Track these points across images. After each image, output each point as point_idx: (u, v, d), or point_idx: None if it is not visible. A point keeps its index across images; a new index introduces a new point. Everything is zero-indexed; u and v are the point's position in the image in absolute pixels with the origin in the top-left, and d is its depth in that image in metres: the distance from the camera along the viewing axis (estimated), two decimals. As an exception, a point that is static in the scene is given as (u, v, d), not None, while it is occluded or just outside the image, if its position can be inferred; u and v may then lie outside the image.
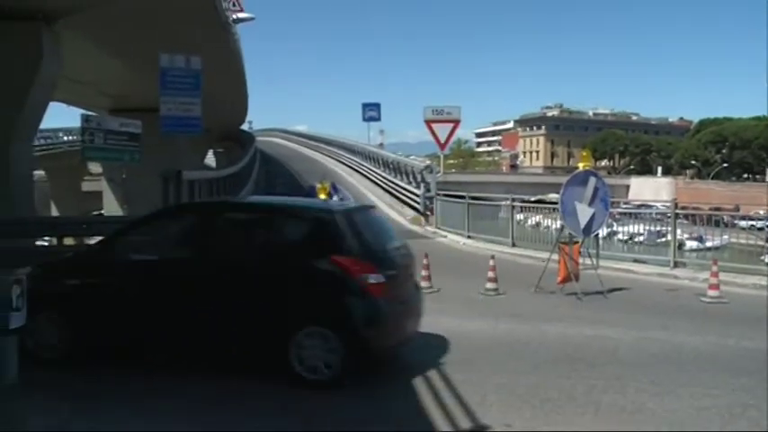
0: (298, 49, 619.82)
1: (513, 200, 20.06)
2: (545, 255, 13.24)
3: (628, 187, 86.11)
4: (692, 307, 11.13)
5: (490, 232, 20.65)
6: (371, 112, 50.16)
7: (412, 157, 40.03)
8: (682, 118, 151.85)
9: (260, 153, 52.30)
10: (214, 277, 7.02)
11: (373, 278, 6.81)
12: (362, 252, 7.00)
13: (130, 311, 7.12)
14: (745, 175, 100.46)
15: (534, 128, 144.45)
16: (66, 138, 49.29)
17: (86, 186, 51.12)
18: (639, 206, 27.70)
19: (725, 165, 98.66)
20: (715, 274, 11.70)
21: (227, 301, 6.90)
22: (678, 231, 15.24)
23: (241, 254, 7.32)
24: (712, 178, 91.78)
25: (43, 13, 14.17)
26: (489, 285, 12.28)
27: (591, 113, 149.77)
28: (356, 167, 44.76)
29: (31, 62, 14.12)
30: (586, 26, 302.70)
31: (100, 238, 9.19)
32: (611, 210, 14.55)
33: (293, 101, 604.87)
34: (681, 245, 15.78)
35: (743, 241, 15.58)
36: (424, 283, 12.55)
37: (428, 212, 26.80)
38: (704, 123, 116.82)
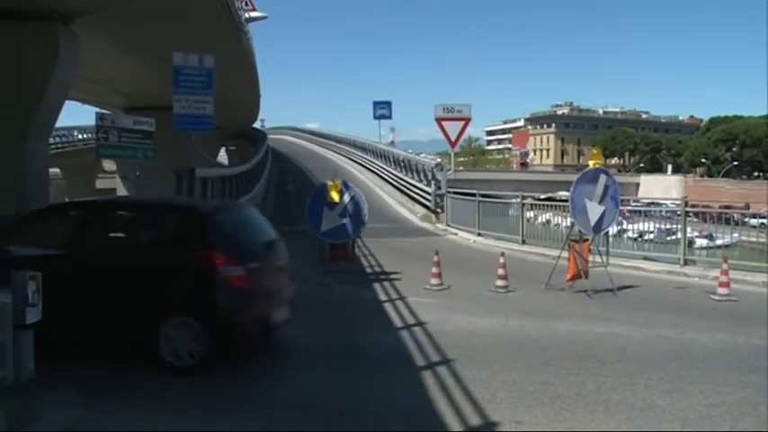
0: (310, 48, 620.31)
1: (524, 197, 20.08)
2: (555, 252, 13.29)
3: (638, 185, 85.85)
4: (701, 305, 11.15)
5: (500, 230, 20.70)
6: (382, 110, 50.14)
7: (423, 155, 40.08)
8: (692, 116, 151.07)
9: (272, 151, 52.44)
10: (90, 272, 7.37)
11: (235, 270, 7.29)
12: (226, 247, 7.50)
13: None
14: (756, 174, 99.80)
15: (544, 126, 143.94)
16: (80, 136, 49.52)
17: (101, 184, 51.48)
18: (649, 204, 27.73)
19: (735, 163, 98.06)
20: (725, 272, 11.71)
21: (102, 294, 7.25)
22: (688, 229, 15.26)
23: (115, 249, 7.77)
24: (722, 176, 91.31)
25: (60, 12, 14.28)
26: (499, 282, 12.34)
27: (601, 112, 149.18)
28: (367, 165, 44.78)
29: (47, 61, 14.23)
30: (597, 25, 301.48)
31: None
32: (621, 207, 14.59)
33: (305, 99, 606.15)
34: (691, 243, 15.79)
35: (753, 239, 15.56)
36: (434, 281, 12.66)
37: (439, 210, 26.87)
38: (714, 121, 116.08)
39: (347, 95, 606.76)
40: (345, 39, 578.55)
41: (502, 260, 12.62)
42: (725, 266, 11.77)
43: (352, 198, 14.21)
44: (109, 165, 47.76)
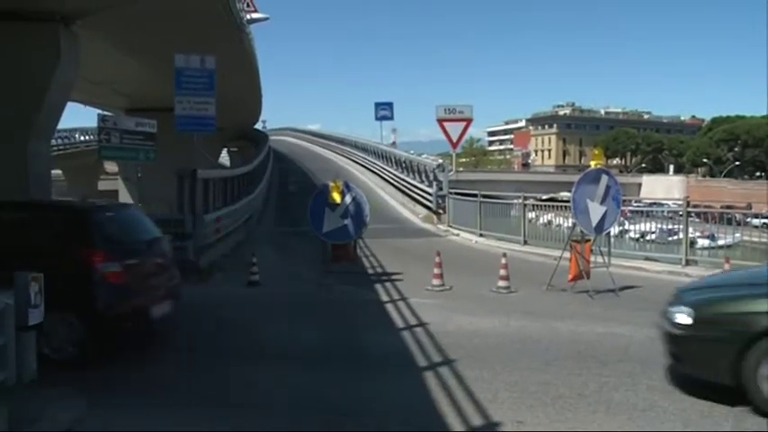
0: (311, 49, 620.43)
1: (525, 198, 20.10)
2: (556, 253, 13.30)
3: (639, 185, 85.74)
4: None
5: (502, 230, 20.72)
6: (384, 111, 50.17)
7: (424, 156, 40.08)
8: (694, 116, 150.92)
9: (273, 152, 52.47)
10: None
11: (112, 267, 7.70)
12: (106, 245, 7.93)
13: None
14: (758, 174, 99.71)
15: (546, 126, 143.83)
16: (82, 137, 49.56)
17: (102, 185, 51.50)
18: (651, 204, 27.69)
19: (737, 163, 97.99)
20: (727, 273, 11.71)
21: None
22: (690, 229, 15.26)
23: (1, 248, 7.88)
24: (724, 176, 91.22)
25: (61, 14, 14.27)
26: (501, 283, 12.36)
27: (603, 112, 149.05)
28: (369, 166, 44.83)
29: (49, 62, 14.23)
30: (598, 25, 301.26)
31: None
32: (623, 208, 14.59)
33: (306, 100, 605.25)
34: (692, 243, 15.78)
35: (755, 239, 15.56)
36: (436, 281, 12.67)
37: (440, 210, 26.89)
38: (716, 121, 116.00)
39: (348, 96, 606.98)
40: (346, 40, 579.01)
41: (503, 261, 12.63)
42: (727, 267, 11.78)
43: (354, 199, 14.21)
44: (111, 166, 47.78)
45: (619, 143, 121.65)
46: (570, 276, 12.00)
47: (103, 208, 9.22)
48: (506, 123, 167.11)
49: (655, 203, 29.03)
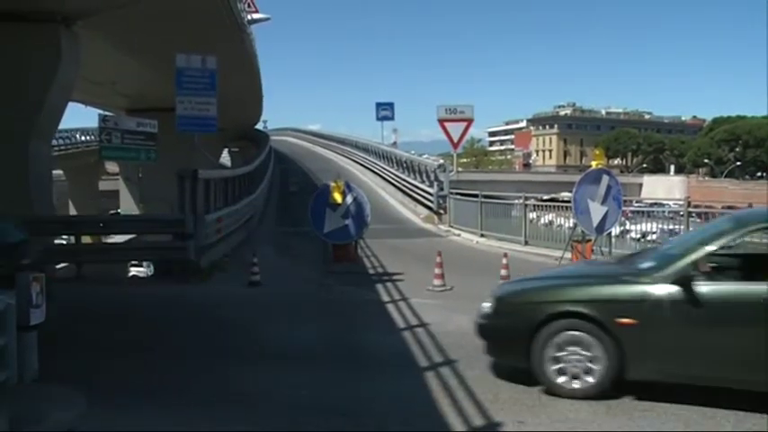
0: (312, 49, 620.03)
1: (526, 198, 20.11)
2: (558, 253, 13.32)
3: (640, 186, 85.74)
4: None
5: (503, 231, 20.72)
6: (385, 111, 50.13)
7: (425, 156, 40.06)
8: (695, 116, 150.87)
9: (274, 152, 52.50)
10: None
11: None
12: None
13: None
14: (759, 174, 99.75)
15: (547, 127, 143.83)
16: (83, 138, 49.61)
17: (103, 185, 51.54)
18: (652, 205, 27.67)
19: (738, 163, 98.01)
20: (728, 273, 11.68)
21: None
22: (691, 230, 15.24)
23: None
24: (725, 177, 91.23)
25: (62, 14, 14.30)
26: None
27: (604, 112, 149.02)
28: (370, 166, 44.83)
29: (50, 63, 14.26)
30: (599, 25, 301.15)
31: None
32: (624, 208, 14.60)
33: (307, 100, 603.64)
34: (694, 243, 15.74)
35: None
36: (437, 281, 12.68)
37: (441, 211, 26.89)
38: (717, 122, 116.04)
39: (349, 97, 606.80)
40: (347, 40, 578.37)
41: (505, 261, 12.63)
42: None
43: (355, 199, 14.23)
44: (112, 166, 47.86)
45: (620, 143, 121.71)
46: (571, 277, 11.97)
47: None
48: (507, 124, 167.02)
49: (656, 204, 29.03)
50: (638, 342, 6.25)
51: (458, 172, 33.12)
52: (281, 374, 7.30)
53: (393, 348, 8.37)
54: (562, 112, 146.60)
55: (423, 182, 31.11)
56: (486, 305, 7.09)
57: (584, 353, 6.37)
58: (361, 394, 6.68)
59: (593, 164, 13.03)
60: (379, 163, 42.66)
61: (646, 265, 6.81)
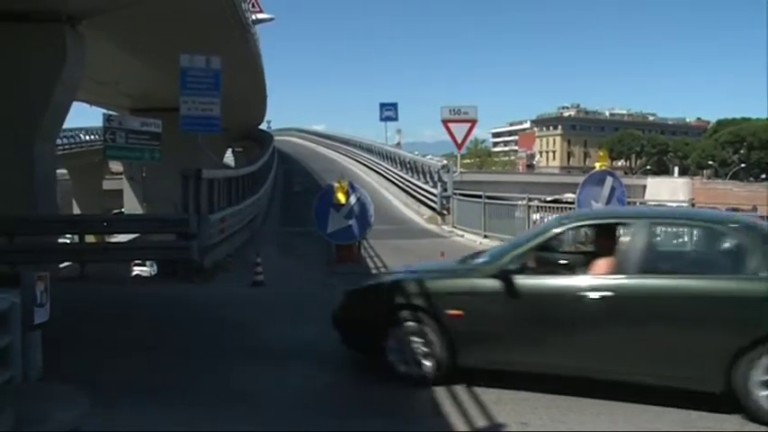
0: (316, 50, 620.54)
1: (530, 199, 20.09)
2: (561, 255, 13.26)
3: (644, 187, 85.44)
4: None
5: (506, 231, 20.64)
6: (389, 111, 50.09)
7: (429, 157, 40.07)
8: (699, 118, 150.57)
9: (278, 152, 52.50)
10: None
11: None
12: None
13: None
14: (763, 176, 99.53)
15: (551, 128, 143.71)
16: (86, 137, 49.68)
17: (107, 185, 51.57)
18: (656, 206, 27.62)
19: (742, 165, 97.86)
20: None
21: None
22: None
23: None
24: (729, 179, 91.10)
25: (67, 14, 14.34)
26: (506, 285, 12.31)
27: (607, 114, 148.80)
28: (373, 167, 44.84)
29: (54, 63, 14.29)
30: (603, 26, 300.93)
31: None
32: (628, 210, 14.54)
33: (311, 101, 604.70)
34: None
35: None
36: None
37: (445, 211, 26.90)
38: (722, 124, 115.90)
39: (353, 97, 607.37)
40: (351, 40, 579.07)
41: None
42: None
43: (359, 199, 14.24)
44: (116, 166, 47.90)
45: (624, 145, 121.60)
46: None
47: None
48: (511, 124, 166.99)
49: (660, 205, 28.98)
50: (466, 332, 6.67)
51: (461, 173, 33.10)
52: (283, 374, 7.30)
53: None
54: (566, 114, 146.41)
55: (426, 182, 31.12)
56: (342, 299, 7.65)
57: (421, 342, 6.80)
58: (364, 395, 6.68)
59: (597, 165, 13.04)
60: (382, 163, 42.67)
61: (480, 260, 7.30)
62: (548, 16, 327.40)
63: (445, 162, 31.59)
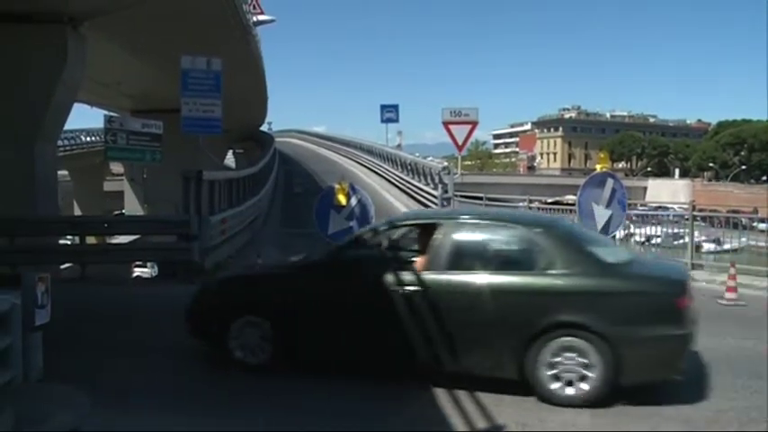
0: (317, 51, 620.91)
1: (531, 201, 20.09)
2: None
3: (645, 189, 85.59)
4: (709, 309, 11.00)
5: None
6: (389, 113, 50.11)
7: (429, 159, 40.04)
8: (700, 120, 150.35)
9: (279, 153, 52.53)
10: None
11: None
12: None
13: None
14: (764, 178, 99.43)
15: (552, 129, 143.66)
16: (88, 138, 49.72)
17: (108, 186, 51.60)
18: (657, 208, 27.60)
19: (743, 167, 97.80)
20: (733, 277, 11.64)
21: None
22: (695, 233, 15.18)
23: None
24: (730, 180, 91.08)
25: (69, 15, 14.36)
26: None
27: (608, 115, 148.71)
28: (374, 168, 44.84)
29: (56, 64, 14.32)
30: (604, 27, 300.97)
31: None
32: (628, 212, 14.55)
33: (312, 102, 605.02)
34: (698, 247, 15.71)
35: (761, 244, 15.49)
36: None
37: (445, 213, 26.83)
38: (722, 125, 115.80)
39: (354, 99, 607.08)
40: (352, 42, 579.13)
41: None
42: (732, 271, 11.71)
43: (359, 201, 14.20)
44: (116, 167, 47.92)
45: (624, 147, 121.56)
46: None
47: None
48: (512, 126, 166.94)
49: (660, 207, 28.96)
50: (295, 325, 7.22)
51: (462, 174, 33.04)
52: (283, 375, 7.28)
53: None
54: (567, 115, 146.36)
55: (427, 184, 31.10)
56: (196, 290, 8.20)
57: (258, 334, 7.27)
58: (364, 396, 6.66)
59: (598, 167, 12.97)
60: (383, 165, 42.67)
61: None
62: (548, 17, 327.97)
63: (446, 164, 31.51)
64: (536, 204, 20.49)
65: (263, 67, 32.84)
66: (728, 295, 11.48)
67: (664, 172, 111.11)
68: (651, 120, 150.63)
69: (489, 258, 7.11)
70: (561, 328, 6.35)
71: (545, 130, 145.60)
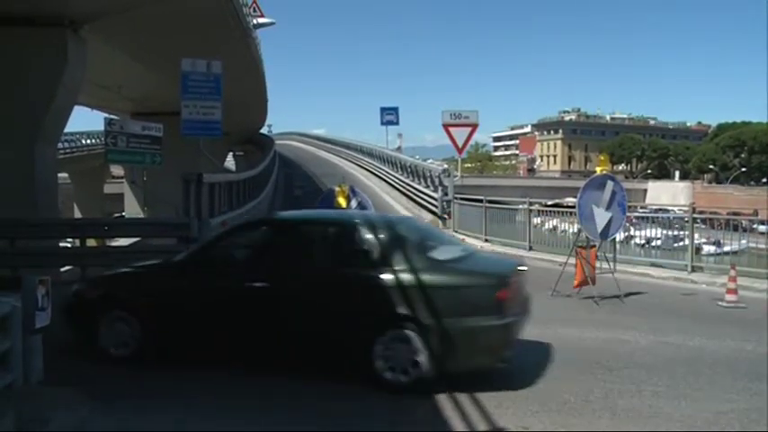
0: (317, 54, 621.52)
1: (531, 204, 20.05)
2: (562, 258, 13.25)
3: (645, 191, 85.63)
4: (709, 311, 11.09)
5: (507, 236, 20.65)
6: (389, 116, 50.08)
7: (430, 161, 40.04)
8: (700, 122, 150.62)
9: (279, 156, 52.51)
10: None
11: None
12: None
13: None
14: (764, 180, 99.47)
15: (552, 132, 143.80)
16: (88, 141, 49.73)
17: (108, 189, 51.56)
18: (657, 210, 27.60)
19: (743, 169, 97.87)
20: (733, 279, 11.65)
21: None
22: (696, 236, 15.18)
23: None
24: (730, 183, 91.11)
25: (69, 18, 14.37)
26: (506, 289, 12.31)
27: (608, 118, 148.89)
28: (374, 171, 44.79)
29: (56, 67, 14.32)
30: (605, 30, 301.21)
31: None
32: (629, 214, 14.54)
33: (312, 105, 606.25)
34: (698, 249, 15.71)
35: (762, 246, 15.48)
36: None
37: (445, 216, 26.82)
38: (722, 128, 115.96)
39: (354, 101, 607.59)
40: (352, 44, 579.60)
41: (508, 266, 12.58)
42: (733, 273, 11.72)
43: (360, 203, 14.23)
44: (116, 170, 47.85)
45: (624, 149, 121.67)
46: (575, 282, 11.96)
47: None
48: (512, 129, 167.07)
49: (660, 210, 28.96)
50: (159, 320, 7.54)
51: (462, 177, 33.09)
52: (283, 374, 7.27)
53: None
54: (567, 118, 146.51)
55: (427, 186, 31.05)
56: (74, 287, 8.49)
57: (126, 328, 7.59)
58: (364, 397, 6.66)
59: (598, 169, 12.95)
60: (383, 167, 42.63)
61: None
62: (549, 20, 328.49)
63: (446, 166, 31.53)
64: (536, 207, 20.43)
65: (264, 69, 32.83)
66: (729, 297, 11.50)
67: (664, 174, 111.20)
68: (651, 122, 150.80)
69: (333, 256, 7.60)
70: (394, 321, 6.77)
71: (545, 133, 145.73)
